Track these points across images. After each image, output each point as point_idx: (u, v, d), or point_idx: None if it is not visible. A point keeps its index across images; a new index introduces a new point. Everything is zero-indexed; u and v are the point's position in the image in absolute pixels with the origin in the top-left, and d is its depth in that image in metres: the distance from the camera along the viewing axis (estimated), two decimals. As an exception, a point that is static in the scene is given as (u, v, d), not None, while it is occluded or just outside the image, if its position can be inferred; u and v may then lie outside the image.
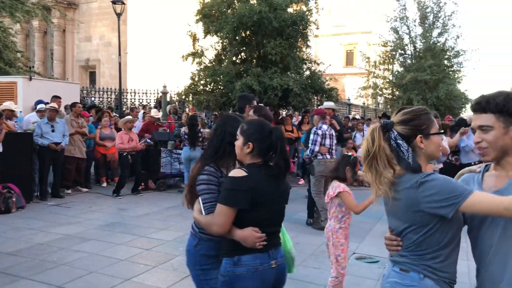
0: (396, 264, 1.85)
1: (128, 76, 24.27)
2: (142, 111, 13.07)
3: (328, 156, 6.54)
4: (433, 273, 1.76)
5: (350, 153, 3.79)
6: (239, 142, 2.19)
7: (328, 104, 8.77)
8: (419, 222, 1.74)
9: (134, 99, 18.58)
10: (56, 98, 8.69)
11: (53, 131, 7.94)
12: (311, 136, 6.53)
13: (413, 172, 1.75)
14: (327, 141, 6.51)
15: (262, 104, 6.59)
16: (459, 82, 20.99)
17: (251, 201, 2.07)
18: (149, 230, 6.24)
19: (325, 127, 6.61)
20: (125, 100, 17.96)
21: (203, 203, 2.22)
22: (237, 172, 2.11)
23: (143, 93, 18.61)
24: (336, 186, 3.54)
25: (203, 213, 2.21)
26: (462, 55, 18.85)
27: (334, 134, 6.71)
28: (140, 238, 5.81)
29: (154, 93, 18.57)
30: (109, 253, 5.14)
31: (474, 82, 50.33)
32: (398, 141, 1.78)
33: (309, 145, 6.52)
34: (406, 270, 1.80)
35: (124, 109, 15.56)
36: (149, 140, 9.55)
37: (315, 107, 14.51)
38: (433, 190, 1.67)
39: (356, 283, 4.27)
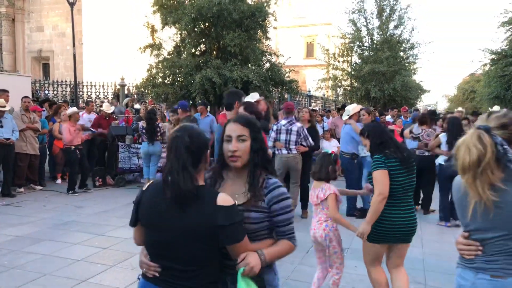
0: (483, 270, 1.80)
1: (84, 68, 23.44)
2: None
3: (285, 151, 6.42)
4: None
5: (330, 151, 3.77)
6: None
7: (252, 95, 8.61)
8: None
9: (91, 92, 17.95)
10: (3, 92, 8.25)
11: (1, 126, 7.55)
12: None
13: None
14: (282, 136, 6.40)
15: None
16: (414, 74, 21.71)
17: (137, 219, 1.85)
18: (107, 228, 6.07)
19: (283, 122, 6.51)
20: (81, 93, 17.33)
21: None
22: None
23: (100, 86, 18.01)
24: (326, 188, 3.53)
25: None
26: (417, 47, 19.47)
27: (294, 129, 6.43)
28: (97, 237, 5.64)
29: (111, 86, 18.03)
30: (64, 253, 4.96)
31: (429, 73, 52.40)
32: (505, 146, 1.70)
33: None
34: (501, 276, 1.76)
35: (80, 102, 15.02)
36: (94, 130, 9.29)
37: (276, 100, 14.61)
38: None
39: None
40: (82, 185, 8.59)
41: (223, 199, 1.71)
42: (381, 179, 3.14)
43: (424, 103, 32.66)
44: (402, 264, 3.42)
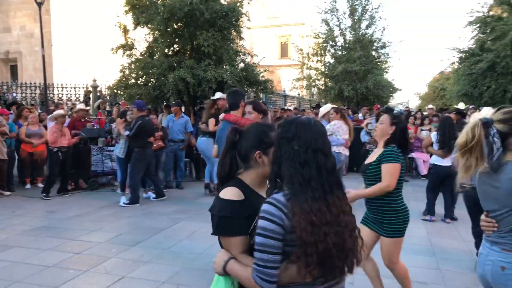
0: (496, 244, 2.11)
1: (54, 69, 22.88)
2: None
3: None
4: None
5: None
6: None
7: (217, 94, 8.52)
8: None
9: (62, 94, 17.56)
10: (-32, 95, 7.97)
11: (-33, 131, 7.29)
12: None
13: (493, 170, 2.01)
14: None
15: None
16: (386, 72, 22.07)
17: None
18: (80, 232, 5.94)
19: None
20: (51, 95, 16.92)
21: None
22: None
23: (71, 88, 17.65)
24: None
25: None
26: (388, 46, 19.79)
27: None
28: (70, 242, 5.52)
29: (83, 88, 17.68)
30: (35, 260, 4.83)
31: (400, 72, 53.66)
32: (495, 138, 1.99)
33: None
34: (509, 250, 2.06)
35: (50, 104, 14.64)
36: (82, 133, 9.10)
37: (251, 99, 14.61)
38: None
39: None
40: (61, 190, 8.39)
41: (224, 191, 1.75)
42: (395, 172, 3.21)
43: (396, 101, 33.30)
44: None
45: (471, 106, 15.48)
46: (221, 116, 4.80)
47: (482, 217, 2.17)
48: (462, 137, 2.07)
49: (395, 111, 10.95)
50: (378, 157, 3.31)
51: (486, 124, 2.01)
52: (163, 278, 4.33)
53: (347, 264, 1.61)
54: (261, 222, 1.54)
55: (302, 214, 1.51)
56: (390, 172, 3.19)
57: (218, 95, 8.43)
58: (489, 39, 17.37)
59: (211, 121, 8.02)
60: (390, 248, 3.32)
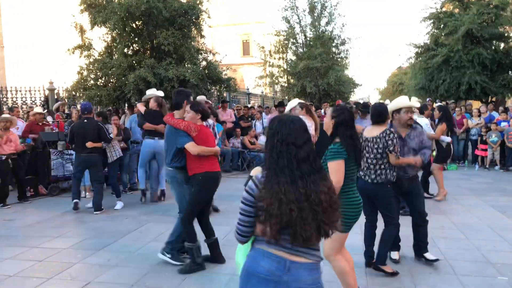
0: None
1: (7, 72, 21.98)
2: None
3: None
4: None
5: None
6: None
7: (149, 92, 8.25)
8: None
9: (16, 97, 16.83)
10: None
11: None
12: None
13: None
14: None
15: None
16: (346, 68, 22.49)
17: None
18: (41, 239, 5.74)
19: None
20: (5, 99, 16.22)
21: None
22: None
23: (26, 91, 16.95)
24: None
25: None
26: (347, 42, 20.17)
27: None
28: (31, 249, 5.32)
29: (39, 91, 17.03)
30: (-5, 270, 4.62)
31: (361, 68, 54.95)
32: None
33: None
34: None
35: (4, 109, 14.02)
36: (30, 140, 8.76)
37: (215, 98, 14.57)
38: None
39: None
40: (21, 197, 8.09)
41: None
42: (339, 168, 3.27)
43: (357, 96, 34.03)
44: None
45: (428, 99, 16.05)
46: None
47: None
48: None
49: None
50: (325, 155, 3.38)
51: None
52: (132, 281, 4.26)
53: (320, 233, 1.94)
54: (243, 193, 2.02)
55: (272, 194, 1.88)
56: (335, 169, 3.25)
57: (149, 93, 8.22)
58: (442, 34, 17.99)
59: None
60: (333, 240, 3.07)
